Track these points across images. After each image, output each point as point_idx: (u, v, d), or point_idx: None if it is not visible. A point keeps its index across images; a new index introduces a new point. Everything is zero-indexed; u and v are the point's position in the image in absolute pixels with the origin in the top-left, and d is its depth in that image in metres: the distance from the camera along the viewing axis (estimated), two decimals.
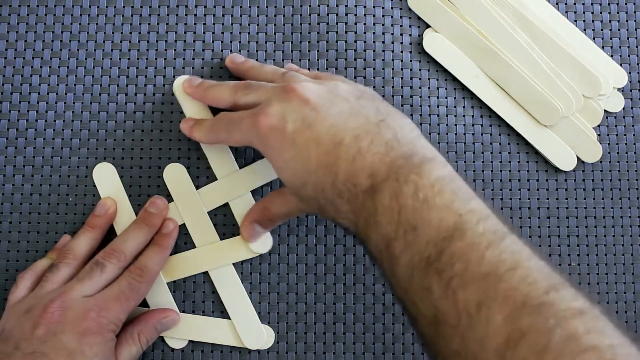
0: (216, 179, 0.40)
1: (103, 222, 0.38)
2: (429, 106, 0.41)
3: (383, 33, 0.42)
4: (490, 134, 0.41)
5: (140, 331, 0.36)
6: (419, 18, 0.42)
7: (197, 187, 0.40)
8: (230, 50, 0.41)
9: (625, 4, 0.43)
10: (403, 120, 0.32)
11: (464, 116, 0.41)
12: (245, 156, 0.40)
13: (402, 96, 0.41)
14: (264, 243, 0.39)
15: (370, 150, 0.30)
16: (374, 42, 0.41)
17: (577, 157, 0.41)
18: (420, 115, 0.41)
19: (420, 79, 0.41)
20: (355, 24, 0.42)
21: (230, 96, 0.36)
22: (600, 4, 0.43)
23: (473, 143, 0.41)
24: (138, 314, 0.37)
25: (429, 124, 0.41)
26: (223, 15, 0.42)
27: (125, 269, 0.36)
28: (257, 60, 0.41)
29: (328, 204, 0.31)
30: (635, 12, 0.43)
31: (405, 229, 0.27)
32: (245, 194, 0.40)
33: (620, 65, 0.42)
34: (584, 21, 0.43)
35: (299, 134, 0.31)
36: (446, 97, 0.41)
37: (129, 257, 0.36)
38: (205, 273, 0.39)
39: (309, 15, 0.42)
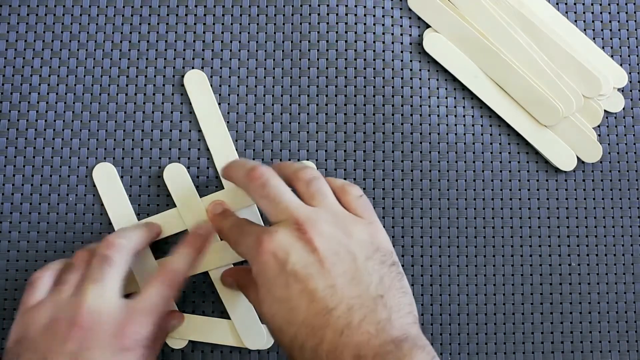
0: (219, 186, 0.40)
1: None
2: (429, 106, 0.41)
3: (383, 33, 0.42)
4: (491, 134, 0.41)
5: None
6: (419, 18, 0.42)
7: (197, 187, 0.40)
8: (230, 51, 0.41)
9: (626, 4, 0.43)
10: (403, 299, 0.30)
11: (464, 116, 0.41)
12: None
13: (402, 96, 0.41)
14: None
15: (361, 327, 0.28)
16: (374, 42, 0.41)
17: (577, 157, 0.41)
18: (420, 115, 0.41)
19: (420, 79, 0.41)
20: (355, 24, 0.42)
21: (245, 186, 0.34)
22: (600, 4, 0.43)
23: (473, 143, 0.41)
24: None
25: (429, 124, 0.41)
26: (223, 15, 0.42)
27: (156, 274, 0.34)
28: (256, 60, 0.41)
29: (301, 358, 0.29)
30: (635, 12, 0.43)
31: None
32: (251, 204, 0.40)
33: (621, 65, 0.42)
34: (584, 21, 0.43)
35: (296, 280, 0.29)
36: (446, 97, 0.41)
37: (134, 248, 0.35)
38: (205, 273, 0.39)
39: (309, 15, 0.42)
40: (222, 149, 0.40)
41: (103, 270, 0.33)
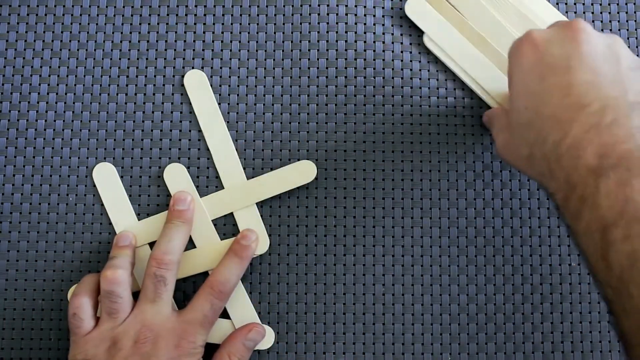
0: (219, 186, 0.40)
1: (190, 215, 0.38)
2: (429, 106, 0.41)
3: (383, 33, 0.42)
4: (491, 134, 0.41)
5: (230, 352, 0.36)
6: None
7: (197, 187, 0.40)
8: (230, 51, 0.41)
9: (626, 4, 0.43)
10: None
11: (463, 116, 0.41)
12: (254, 166, 0.40)
13: (402, 96, 0.41)
14: (261, 244, 0.39)
15: (611, 129, 0.27)
16: (374, 42, 0.41)
17: None
18: (420, 115, 0.41)
19: (420, 78, 0.41)
20: (356, 24, 0.42)
21: None
22: (601, 4, 0.43)
23: (473, 143, 0.41)
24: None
25: (429, 124, 0.41)
26: (223, 15, 0.42)
27: (203, 287, 0.36)
28: (256, 60, 0.41)
29: (542, 159, 0.29)
30: (635, 12, 0.43)
31: (629, 220, 0.25)
32: (250, 205, 0.40)
33: None
34: None
35: (553, 72, 0.29)
36: (446, 97, 0.41)
37: (179, 259, 0.37)
38: (205, 273, 0.39)
39: (309, 15, 0.42)
40: (222, 149, 0.40)
41: (158, 290, 0.35)
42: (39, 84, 0.41)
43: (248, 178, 0.40)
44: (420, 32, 0.42)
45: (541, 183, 0.31)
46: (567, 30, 0.30)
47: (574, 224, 0.28)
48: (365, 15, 0.42)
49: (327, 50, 0.41)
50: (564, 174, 0.28)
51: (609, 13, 0.43)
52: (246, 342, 0.37)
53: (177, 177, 0.40)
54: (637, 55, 0.42)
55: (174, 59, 0.41)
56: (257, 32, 0.42)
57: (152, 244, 0.39)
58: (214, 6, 0.42)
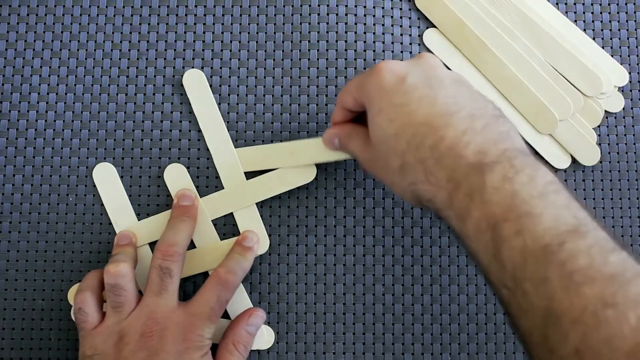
0: (219, 186, 0.40)
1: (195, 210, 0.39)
2: None
3: (383, 33, 0.42)
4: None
5: (234, 340, 0.37)
6: (419, 18, 0.42)
7: (197, 187, 0.40)
8: (230, 51, 0.41)
9: (625, 4, 0.43)
10: (509, 123, 0.31)
11: None
12: None
13: None
14: (261, 244, 0.39)
15: (484, 132, 0.29)
16: (374, 42, 0.41)
17: (577, 159, 0.41)
18: None
19: None
20: (355, 24, 0.42)
21: None
22: (600, 4, 0.43)
23: None
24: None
25: None
26: (223, 15, 0.42)
27: (210, 279, 0.36)
28: (256, 60, 0.41)
29: (417, 164, 0.30)
30: (635, 12, 0.43)
31: (519, 213, 0.26)
32: (250, 205, 0.40)
33: (620, 64, 0.42)
34: (584, 21, 0.43)
35: (416, 88, 0.30)
36: None
37: (184, 252, 0.37)
38: (205, 273, 0.39)
39: (309, 15, 0.42)
40: (222, 149, 0.40)
41: (164, 282, 0.35)
42: (39, 84, 0.41)
43: (248, 178, 0.40)
44: (420, 32, 0.42)
45: (414, 192, 0.31)
46: (419, 60, 0.32)
47: (461, 226, 0.28)
48: (365, 15, 0.42)
49: (327, 50, 0.41)
50: (447, 173, 0.29)
51: (609, 13, 0.43)
52: (248, 328, 0.37)
53: (177, 177, 0.40)
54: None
55: (174, 59, 0.41)
56: (257, 32, 0.42)
57: (152, 244, 0.39)
58: (214, 6, 0.42)
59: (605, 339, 0.23)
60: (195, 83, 0.40)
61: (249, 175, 0.40)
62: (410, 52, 0.42)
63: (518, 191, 0.26)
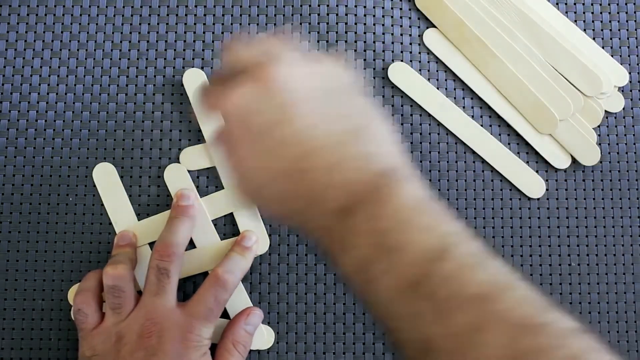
0: (219, 186, 0.40)
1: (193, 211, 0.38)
2: None
3: (383, 33, 0.42)
4: (491, 133, 0.41)
5: (233, 340, 0.36)
6: (419, 18, 0.42)
7: (197, 187, 0.40)
8: None
9: (625, 4, 0.43)
10: (384, 127, 0.27)
11: None
12: None
13: (402, 97, 0.41)
14: (261, 243, 0.39)
15: (349, 163, 0.26)
16: (374, 42, 0.41)
17: (577, 160, 0.41)
18: (420, 115, 0.41)
19: None
20: (355, 24, 0.42)
21: None
22: (600, 4, 0.43)
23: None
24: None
25: (429, 124, 0.41)
26: (223, 15, 0.42)
27: (208, 279, 0.36)
28: None
29: (296, 214, 0.27)
30: (635, 12, 0.43)
31: (386, 251, 0.25)
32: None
33: (620, 64, 0.42)
34: (584, 21, 0.43)
35: (270, 127, 0.26)
36: (446, 97, 0.41)
37: (182, 252, 0.37)
38: (206, 273, 0.39)
39: (309, 15, 0.42)
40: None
41: (162, 283, 0.35)
42: (39, 84, 0.41)
43: None
44: (420, 32, 0.42)
45: (306, 233, 0.28)
46: (260, 75, 0.26)
47: (343, 273, 0.27)
48: (365, 15, 0.42)
49: (327, 50, 0.41)
50: (320, 223, 0.26)
51: (609, 13, 0.43)
52: (247, 327, 0.37)
53: (177, 177, 0.40)
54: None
55: (174, 59, 0.41)
56: (257, 32, 0.42)
57: (152, 244, 0.39)
58: (214, 6, 0.42)
59: None
60: (195, 83, 0.40)
61: None
62: (410, 52, 0.42)
63: (385, 228, 0.25)
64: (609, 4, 0.43)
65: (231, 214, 0.40)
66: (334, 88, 0.27)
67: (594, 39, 0.42)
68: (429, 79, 0.41)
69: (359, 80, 0.28)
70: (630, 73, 0.42)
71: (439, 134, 0.41)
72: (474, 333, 0.23)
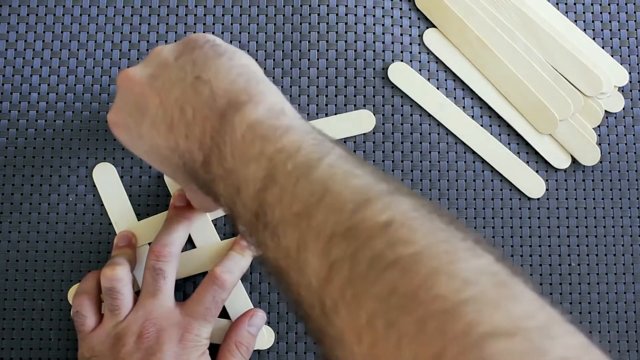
0: None
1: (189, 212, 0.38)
2: None
3: (383, 33, 0.42)
4: (491, 133, 0.41)
5: (236, 341, 0.37)
6: (419, 18, 0.42)
7: None
8: None
9: (626, 4, 0.43)
10: (218, 61, 0.28)
11: None
12: None
13: (402, 97, 0.41)
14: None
15: (196, 120, 0.27)
16: (374, 42, 0.41)
17: (577, 160, 0.41)
18: (420, 115, 0.41)
19: None
20: (355, 24, 0.42)
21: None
22: (600, 4, 0.43)
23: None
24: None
25: (429, 124, 0.41)
26: (223, 15, 0.42)
27: (206, 279, 0.36)
28: (256, 60, 0.41)
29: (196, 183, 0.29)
30: (635, 12, 0.43)
31: (232, 192, 0.26)
32: None
33: (620, 64, 0.42)
34: (584, 21, 0.43)
35: (133, 126, 0.30)
36: (446, 97, 0.41)
37: (178, 252, 0.37)
38: (205, 273, 0.39)
39: (309, 15, 0.42)
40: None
41: (158, 284, 0.35)
42: (39, 84, 0.41)
43: None
44: (420, 32, 0.42)
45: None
46: (118, 85, 0.31)
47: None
48: (365, 15, 0.42)
49: (327, 50, 0.41)
50: (202, 181, 0.28)
51: (609, 13, 0.43)
52: (250, 329, 0.37)
53: None
54: None
55: None
56: (257, 32, 0.42)
57: None
58: (214, 6, 0.42)
59: (305, 285, 0.23)
60: None
61: None
62: (410, 52, 0.42)
63: (228, 170, 0.26)
64: (609, 4, 0.43)
65: None
66: (165, 59, 0.30)
67: (594, 39, 0.42)
68: (429, 79, 0.41)
69: (188, 41, 0.30)
70: (630, 73, 0.42)
71: (439, 134, 0.41)
72: (297, 254, 0.23)
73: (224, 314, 0.39)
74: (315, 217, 0.23)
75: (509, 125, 0.41)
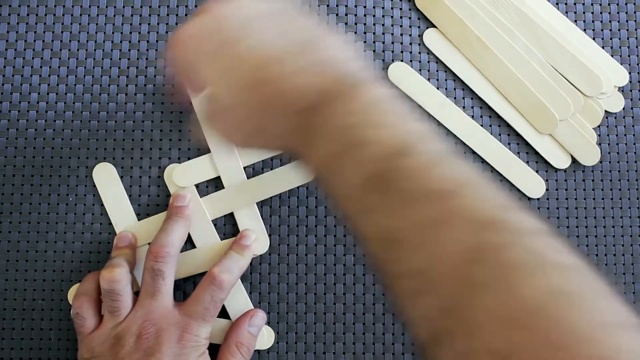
0: (219, 186, 0.40)
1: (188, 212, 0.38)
2: None
3: (383, 33, 0.42)
4: (491, 133, 0.41)
5: (237, 342, 0.37)
6: (419, 18, 0.42)
7: (197, 187, 0.40)
8: None
9: (626, 4, 0.43)
10: (339, 37, 0.28)
11: None
12: (254, 166, 0.40)
13: (402, 97, 0.41)
14: (261, 243, 0.39)
15: (309, 69, 0.26)
16: (374, 42, 0.41)
17: (577, 160, 0.41)
18: (421, 115, 0.41)
19: None
20: (356, 24, 0.42)
21: None
22: (600, 4, 0.43)
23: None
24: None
25: (429, 124, 0.41)
26: None
27: (204, 279, 0.36)
28: None
29: (263, 131, 0.28)
30: (635, 12, 0.43)
31: (351, 145, 0.25)
32: (250, 205, 0.40)
33: (620, 64, 0.42)
34: (584, 21, 0.43)
35: (223, 46, 0.27)
36: (446, 97, 0.41)
37: (177, 253, 0.37)
38: (205, 273, 0.39)
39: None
40: (222, 149, 0.40)
41: (157, 284, 0.35)
42: (39, 84, 0.41)
43: (248, 178, 0.40)
44: (420, 32, 0.42)
45: (270, 148, 0.30)
46: (205, 16, 0.28)
47: (313, 172, 0.27)
48: (365, 15, 0.42)
49: None
50: (283, 128, 0.27)
51: (609, 13, 0.43)
52: (250, 329, 0.37)
53: None
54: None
55: None
56: None
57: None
58: None
59: (436, 257, 0.22)
60: None
61: (250, 174, 0.40)
62: (410, 52, 0.42)
63: (348, 124, 0.25)
64: (609, 4, 0.43)
65: (231, 214, 0.40)
66: (282, 9, 0.28)
67: (594, 39, 0.42)
68: (429, 79, 0.41)
69: (305, 7, 0.29)
70: (630, 73, 0.42)
71: (438, 134, 0.41)
72: (435, 227, 0.23)
73: (224, 314, 0.39)
74: (460, 199, 0.22)
75: (509, 125, 0.41)
